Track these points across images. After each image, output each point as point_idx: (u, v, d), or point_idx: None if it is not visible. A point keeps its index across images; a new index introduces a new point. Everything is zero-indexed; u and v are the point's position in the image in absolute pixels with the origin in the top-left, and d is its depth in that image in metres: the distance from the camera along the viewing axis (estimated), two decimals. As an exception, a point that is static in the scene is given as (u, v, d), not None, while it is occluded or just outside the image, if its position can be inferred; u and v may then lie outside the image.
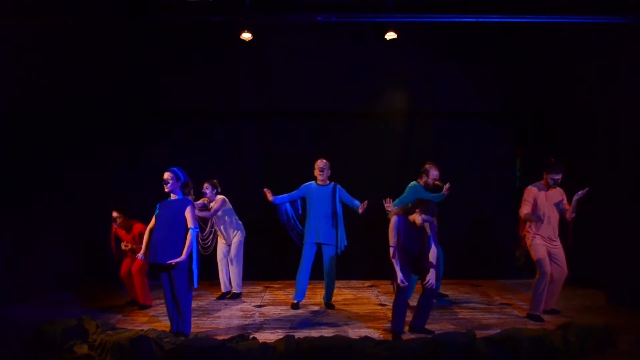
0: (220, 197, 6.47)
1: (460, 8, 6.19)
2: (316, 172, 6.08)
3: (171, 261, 4.72)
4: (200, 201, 6.37)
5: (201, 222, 6.49)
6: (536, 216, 5.49)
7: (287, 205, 6.17)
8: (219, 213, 6.45)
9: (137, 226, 6.07)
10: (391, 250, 4.99)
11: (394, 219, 5.05)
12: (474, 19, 5.97)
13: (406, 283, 4.93)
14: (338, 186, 6.10)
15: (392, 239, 5.01)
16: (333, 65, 7.62)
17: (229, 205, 6.53)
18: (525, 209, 5.55)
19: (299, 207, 6.22)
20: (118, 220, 6.11)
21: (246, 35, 6.48)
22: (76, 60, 6.91)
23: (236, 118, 7.89)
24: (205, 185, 6.43)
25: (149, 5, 6.24)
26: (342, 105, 7.75)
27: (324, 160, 6.09)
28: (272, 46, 7.46)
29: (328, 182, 6.09)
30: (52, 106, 6.76)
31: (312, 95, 7.70)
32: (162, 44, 7.39)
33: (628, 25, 5.91)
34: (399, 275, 4.92)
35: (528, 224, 5.65)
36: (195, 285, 4.92)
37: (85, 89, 7.19)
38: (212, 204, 6.43)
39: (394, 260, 4.96)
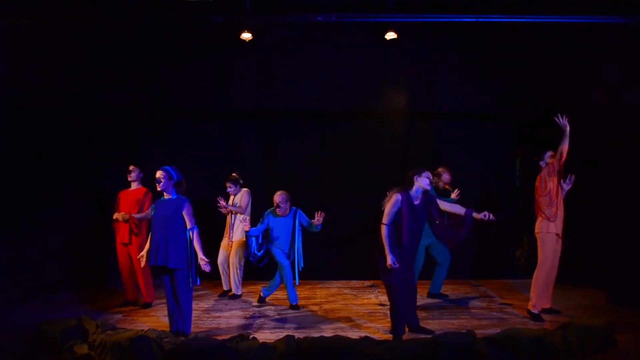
0: (244, 189, 6.47)
1: (460, 8, 6.18)
2: (275, 206, 5.94)
3: (203, 262, 4.80)
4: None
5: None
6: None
7: (254, 239, 6.00)
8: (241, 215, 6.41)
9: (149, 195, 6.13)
10: (384, 228, 4.75)
11: (395, 197, 4.76)
12: (474, 19, 5.96)
13: (397, 265, 4.72)
14: (299, 212, 5.99)
15: (388, 217, 4.77)
16: (333, 65, 7.61)
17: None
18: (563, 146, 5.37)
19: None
20: (133, 174, 6.16)
21: (246, 35, 6.48)
22: (76, 60, 6.91)
23: (236, 118, 7.88)
24: (228, 184, 6.41)
25: (149, 5, 6.24)
26: (342, 105, 7.73)
27: (282, 195, 5.90)
28: (272, 46, 7.44)
29: (288, 211, 5.98)
30: (52, 106, 6.75)
31: (312, 95, 7.68)
32: (162, 44, 7.38)
33: (628, 25, 5.91)
34: (389, 257, 4.71)
35: (547, 208, 5.53)
36: (198, 283, 4.95)
37: (85, 89, 7.19)
38: (236, 199, 6.42)
39: (385, 241, 4.75)
